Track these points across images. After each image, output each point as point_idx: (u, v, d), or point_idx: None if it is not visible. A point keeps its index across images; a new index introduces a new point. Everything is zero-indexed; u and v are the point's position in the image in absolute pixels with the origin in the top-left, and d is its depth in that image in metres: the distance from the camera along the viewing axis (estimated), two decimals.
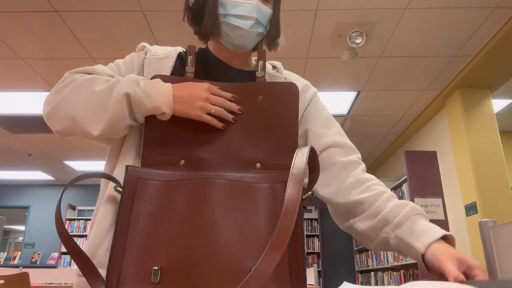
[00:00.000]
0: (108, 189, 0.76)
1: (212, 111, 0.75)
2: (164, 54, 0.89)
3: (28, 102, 4.41)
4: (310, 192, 0.72)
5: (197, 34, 0.90)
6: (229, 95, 0.78)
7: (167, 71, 0.86)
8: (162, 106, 0.73)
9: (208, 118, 0.75)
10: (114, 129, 0.74)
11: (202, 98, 0.75)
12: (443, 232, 0.71)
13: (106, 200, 0.75)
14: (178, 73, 0.84)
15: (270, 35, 0.90)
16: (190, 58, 0.83)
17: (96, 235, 0.74)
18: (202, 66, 0.89)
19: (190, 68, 0.83)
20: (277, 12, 0.90)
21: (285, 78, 0.95)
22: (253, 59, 0.98)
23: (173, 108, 0.74)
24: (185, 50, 0.90)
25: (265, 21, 0.87)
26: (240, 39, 0.85)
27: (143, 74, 0.86)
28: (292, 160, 0.65)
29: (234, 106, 0.78)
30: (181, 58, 0.88)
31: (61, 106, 0.75)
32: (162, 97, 0.74)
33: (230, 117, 0.77)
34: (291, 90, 0.81)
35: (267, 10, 0.87)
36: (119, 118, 0.73)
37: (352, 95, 4.29)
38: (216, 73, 0.89)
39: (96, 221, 0.76)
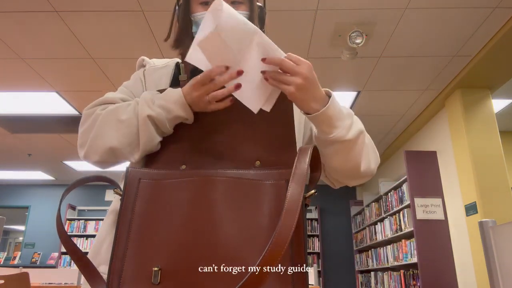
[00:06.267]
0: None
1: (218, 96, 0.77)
2: (163, 65, 0.95)
3: (28, 102, 4.41)
4: (313, 191, 0.72)
5: (181, 55, 0.93)
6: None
7: (166, 78, 0.91)
8: (181, 114, 0.78)
9: (215, 106, 0.78)
10: (148, 148, 0.79)
11: (207, 92, 0.77)
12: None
13: (115, 200, 0.82)
14: (177, 80, 0.88)
15: None
16: (181, 66, 0.86)
17: (101, 232, 0.80)
18: (198, 72, 0.90)
19: (183, 76, 0.86)
20: (254, 12, 0.90)
21: None
22: None
23: (191, 112, 0.79)
24: (181, 61, 0.94)
25: None
26: None
27: (144, 85, 0.91)
28: (291, 158, 0.66)
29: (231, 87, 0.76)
30: (179, 67, 0.92)
31: (97, 142, 0.78)
32: (178, 108, 0.78)
33: (229, 95, 0.76)
34: None
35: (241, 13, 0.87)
36: (150, 139, 0.77)
37: (352, 95, 4.29)
38: None
39: (105, 219, 0.83)
